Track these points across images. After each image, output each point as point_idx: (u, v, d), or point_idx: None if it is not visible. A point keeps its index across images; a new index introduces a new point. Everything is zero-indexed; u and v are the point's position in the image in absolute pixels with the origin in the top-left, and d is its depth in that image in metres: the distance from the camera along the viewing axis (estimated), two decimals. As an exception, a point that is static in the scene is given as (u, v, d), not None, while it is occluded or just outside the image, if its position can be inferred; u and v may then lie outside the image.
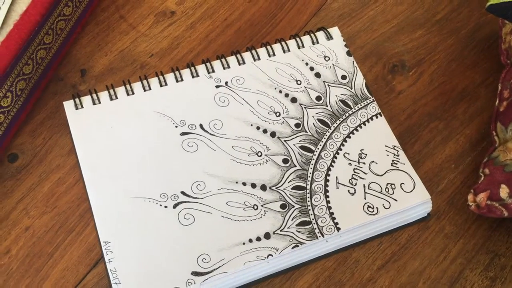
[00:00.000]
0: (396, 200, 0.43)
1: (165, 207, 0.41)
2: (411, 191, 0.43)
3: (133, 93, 0.45)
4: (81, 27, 0.50)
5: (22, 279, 0.40)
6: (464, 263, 0.43)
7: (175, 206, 0.41)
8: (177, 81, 0.46)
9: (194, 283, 0.39)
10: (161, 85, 0.46)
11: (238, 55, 0.47)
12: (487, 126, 0.48)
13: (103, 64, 0.49)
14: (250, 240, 0.41)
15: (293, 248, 0.41)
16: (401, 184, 0.43)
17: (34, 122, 0.46)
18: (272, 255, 0.40)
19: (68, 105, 0.45)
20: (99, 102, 0.45)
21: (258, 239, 0.41)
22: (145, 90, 0.45)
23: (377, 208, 0.42)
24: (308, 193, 0.43)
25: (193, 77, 0.46)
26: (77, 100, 0.45)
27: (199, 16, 0.52)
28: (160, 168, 0.43)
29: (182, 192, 0.42)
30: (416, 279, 0.42)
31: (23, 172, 0.44)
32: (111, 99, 0.45)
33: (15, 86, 0.43)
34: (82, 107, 0.44)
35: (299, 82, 0.47)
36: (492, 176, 0.42)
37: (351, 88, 0.47)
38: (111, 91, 0.45)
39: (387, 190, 0.43)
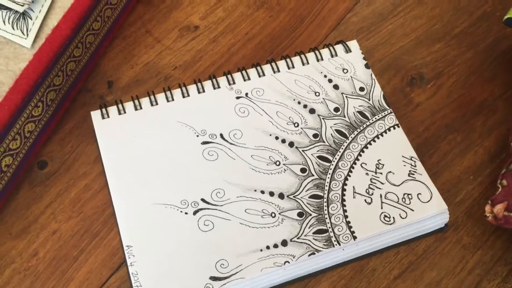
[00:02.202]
0: (412, 210, 0.43)
1: (186, 213, 0.43)
2: (428, 201, 0.44)
3: (157, 104, 0.47)
4: (109, 41, 0.52)
5: (48, 281, 0.42)
6: (482, 274, 0.43)
7: (195, 212, 0.43)
8: (199, 92, 0.48)
9: (213, 287, 0.40)
10: (183, 96, 0.47)
11: (258, 67, 0.49)
12: (505, 138, 0.48)
13: (129, 76, 0.51)
14: (268, 247, 0.42)
15: (309, 255, 0.41)
16: (418, 194, 0.44)
17: (63, 131, 0.48)
18: (289, 262, 0.41)
19: (95, 114, 0.46)
20: (125, 112, 0.47)
21: (276, 246, 0.42)
22: (168, 101, 0.47)
23: (393, 217, 0.43)
24: (325, 202, 0.44)
25: (214, 88, 0.48)
26: (103, 110, 0.47)
27: (221, 31, 0.53)
28: (181, 175, 0.44)
29: (202, 199, 0.43)
30: (433, 289, 0.43)
31: (52, 178, 0.46)
32: (136, 109, 0.47)
33: (46, 96, 0.45)
34: (108, 116, 0.46)
35: (317, 94, 0.48)
36: (509, 187, 0.42)
37: (369, 100, 0.48)
38: (136, 101, 0.47)
39: (403, 200, 0.44)
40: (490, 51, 0.53)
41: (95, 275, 0.42)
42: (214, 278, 0.40)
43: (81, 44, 0.47)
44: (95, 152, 0.47)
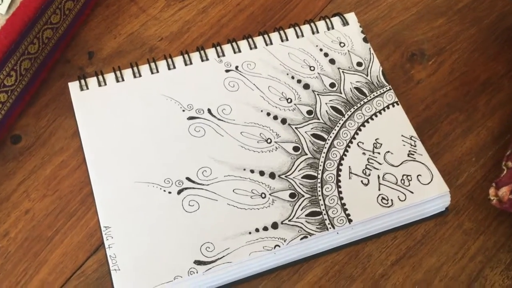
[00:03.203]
0: (412, 192, 0.41)
1: (169, 193, 0.40)
2: (428, 183, 0.41)
3: (140, 76, 0.44)
4: (90, 8, 0.48)
5: (19, 263, 0.39)
6: (484, 261, 0.41)
7: (179, 192, 0.40)
8: (185, 64, 0.45)
9: (197, 272, 0.37)
10: (169, 68, 0.44)
11: (250, 39, 0.46)
12: (510, 118, 0.46)
13: (112, 47, 0.47)
14: (257, 230, 0.39)
15: (301, 239, 0.39)
16: (417, 175, 0.41)
17: (39, 103, 0.45)
18: (279, 246, 0.38)
19: (73, 86, 0.43)
20: (105, 84, 0.43)
21: (265, 228, 0.39)
22: (152, 73, 0.44)
23: (391, 200, 0.40)
24: (319, 182, 0.41)
25: (202, 60, 0.45)
26: (82, 81, 0.43)
27: (211, 1, 0.50)
28: (165, 152, 0.41)
29: (187, 178, 0.40)
30: (432, 277, 0.40)
31: (26, 154, 0.43)
32: (118, 81, 0.44)
33: (20, 65, 0.42)
34: (87, 88, 0.43)
35: (312, 68, 0.45)
36: (515, 169, 0.40)
37: (367, 76, 0.45)
38: (118, 73, 0.44)
39: (402, 181, 0.41)
40: (495, 28, 0.50)
41: (70, 258, 0.39)
42: (198, 262, 0.37)
43: (59, 10, 0.44)
44: (73, 127, 0.44)
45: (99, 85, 0.43)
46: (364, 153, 0.42)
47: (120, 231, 0.38)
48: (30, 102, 0.45)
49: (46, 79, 0.46)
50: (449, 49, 0.49)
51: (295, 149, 0.42)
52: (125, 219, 0.39)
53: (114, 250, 0.37)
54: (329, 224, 0.39)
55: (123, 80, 0.44)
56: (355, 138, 0.43)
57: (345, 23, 0.47)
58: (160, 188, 0.40)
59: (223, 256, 0.38)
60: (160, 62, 0.44)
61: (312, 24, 0.47)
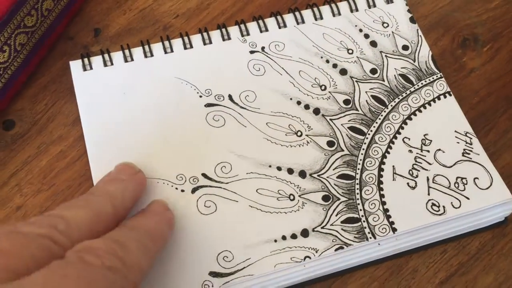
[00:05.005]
0: (468, 198, 0.34)
1: (182, 191, 0.34)
2: (487, 188, 0.35)
3: (152, 55, 0.38)
4: (97, -20, 0.43)
5: (7, 268, 0.34)
6: (552, 282, 0.34)
7: (193, 190, 0.34)
8: (204, 43, 0.39)
9: (212, 286, 0.31)
10: (185, 48, 0.39)
11: (279, 17, 0.40)
12: None
13: (120, 24, 0.42)
14: (284, 238, 0.33)
15: (336, 250, 0.33)
16: (474, 179, 0.35)
17: (37, 85, 0.39)
18: (310, 258, 0.32)
19: (75, 65, 0.38)
20: (112, 64, 0.38)
21: (294, 236, 0.33)
22: (166, 53, 0.38)
23: (443, 206, 0.34)
24: (357, 183, 0.35)
25: (223, 40, 0.39)
26: (86, 60, 0.38)
27: (234, -26, 0.44)
28: (178, 144, 0.35)
29: (203, 175, 0.34)
30: (489, 299, 0.34)
31: (19, 142, 0.37)
32: (126, 60, 0.38)
33: (14, 39, 0.36)
34: (91, 68, 0.38)
35: (350, 51, 0.39)
36: None
37: (414, 61, 0.39)
38: (127, 51, 0.38)
39: (456, 185, 0.35)
40: (560, 11, 0.44)
41: (65, 264, 0.34)
42: (214, 274, 0.32)
43: (62, -21, 0.38)
44: (75, 112, 0.38)
45: (105, 65, 0.38)
46: (410, 151, 0.36)
47: (124, 235, 0.32)
48: (26, 84, 0.39)
49: (45, 57, 0.40)
50: (507, 34, 0.43)
51: (330, 144, 0.36)
52: (129, 221, 0.33)
53: (116, 257, 0.32)
54: (369, 233, 0.33)
55: (132, 60, 0.38)
56: (400, 133, 0.36)
57: (389, 0, 0.41)
58: (172, 186, 0.34)
59: (244, 268, 0.32)
60: (175, 41, 0.39)
61: (351, 1, 0.40)
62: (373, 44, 0.39)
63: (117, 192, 0.30)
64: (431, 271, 0.35)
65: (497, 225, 0.36)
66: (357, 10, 0.40)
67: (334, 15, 0.40)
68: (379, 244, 0.33)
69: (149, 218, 0.31)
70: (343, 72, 0.38)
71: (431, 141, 0.36)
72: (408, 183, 0.35)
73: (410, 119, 0.37)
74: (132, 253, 0.26)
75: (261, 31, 0.39)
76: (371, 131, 0.37)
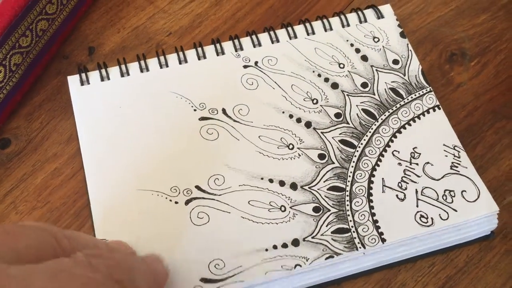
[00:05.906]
0: (455, 211, 0.35)
1: (176, 202, 0.35)
2: (474, 201, 0.35)
3: (147, 70, 0.39)
4: (92, -2, 0.44)
5: (3, 278, 0.34)
6: (538, 293, 0.35)
7: (187, 202, 0.35)
8: (199, 58, 0.40)
9: (204, 294, 0.32)
10: (180, 62, 0.39)
11: (272, 32, 0.41)
12: None
13: (115, 42, 0.43)
14: (275, 247, 0.34)
15: (326, 259, 0.33)
16: (462, 191, 0.36)
17: (32, 104, 0.40)
18: (300, 266, 0.33)
19: (73, 80, 0.39)
20: (108, 79, 0.39)
21: (285, 245, 0.34)
22: (161, 67, 0.39)
23: (432, 218, 0.35)
24: (347, 195, 0.36)
25: (217, 54, 0.40)
26: (83, 75, 0.39)
27: (227, -9, 0.45)
28: (172, 157, 0.36)
29: (197, 187, 0.35)
30: (477, 310, 0.35)
31: (15, 160, 0.38)
32: (122, 75, 0.39)
33: (9, 60, 0.37)
34: (88, 83, 0.38)
35: (342, 66, 0.40)
36: None
37: (404, 75, 0.40)
38: (123, 66, 0.39)
39: (444, 197, 0.36)
40: (546, 27, 0.45)
41: (61, 274, 0.34)
42: (205, 280, 0.32)
43: (56, 0, 0.39)
44: (69, 130, 0.39)
45: (102, 79, 0.39)
46: (400, 164, 0.37)
47: (118, 246, 0.33)
48: (21, 102, 0.40)
49: (41, 76, 0.41)
50: (494, 48, 0.44)
51: (321, 156, 0.37)
52: (125, 231, 0.34)
53: (111, 267, 0.32)
54: (359, 243, 0.34)
55: (128, 74, 0.39)
56: (389, 146, 0.37)
57: (379, 15, 0.42)
58: (166, 197, 0.35)
59: (234, 275, 0.33)
60: (170, 56, 0.40)
61: (342, 16, 0.42)
62: (364, 58, 0.40)
63: None
64: (419, 284, 0.35)
65: (484, 238, 0.36)
66: (348, 25, 0.41)
67: (326, 30, 0.41)
68: (367, 254, 0.34)
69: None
70: (335, 86, 0.39)
71: (420, 154, 0.37)
72: (397, 195, 0.36)
73: (400, 132, 0.38)
74: (139, 281, 0.27)
75: (254, 46, 0.40)
76: (362, 144, 0.37)
